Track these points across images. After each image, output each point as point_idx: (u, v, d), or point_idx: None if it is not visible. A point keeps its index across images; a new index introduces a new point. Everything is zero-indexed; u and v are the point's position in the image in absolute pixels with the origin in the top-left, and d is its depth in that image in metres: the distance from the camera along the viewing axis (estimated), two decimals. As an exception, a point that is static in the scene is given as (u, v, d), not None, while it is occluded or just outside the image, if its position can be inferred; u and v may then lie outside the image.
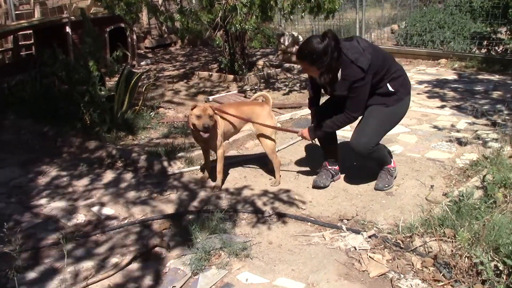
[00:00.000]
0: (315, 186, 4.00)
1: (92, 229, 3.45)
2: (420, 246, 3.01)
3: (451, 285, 2.64)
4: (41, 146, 5.11)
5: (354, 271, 2.88)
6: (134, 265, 2.98)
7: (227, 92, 7.20)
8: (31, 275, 2.90)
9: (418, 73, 8.46)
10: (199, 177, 4.26)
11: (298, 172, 4.36)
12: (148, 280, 2.84)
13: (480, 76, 7.98)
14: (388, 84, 3.63)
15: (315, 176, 4.09)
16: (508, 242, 2.62)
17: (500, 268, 2.58)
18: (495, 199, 3.30)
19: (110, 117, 5.29)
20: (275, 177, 4.13)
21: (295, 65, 8.61)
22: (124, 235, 3.36)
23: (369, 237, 3.19)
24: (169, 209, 3.73)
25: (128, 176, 4.35)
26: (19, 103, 5.95)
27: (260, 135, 4.03)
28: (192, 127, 3.82)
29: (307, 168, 4.40)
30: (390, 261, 2.94)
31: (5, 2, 8.67)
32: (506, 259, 2.51)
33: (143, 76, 6.69)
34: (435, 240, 2.96)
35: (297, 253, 3.08)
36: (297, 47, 8.89)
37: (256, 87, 7.48)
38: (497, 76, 7.92)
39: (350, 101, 3.60)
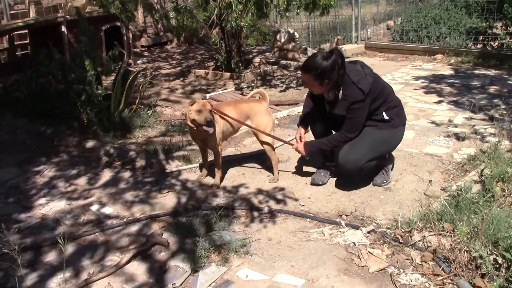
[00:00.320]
0: (313, 183, 4.00)
1: (91, 228, 3.44)
2: (419, 240, 3.01)
3: (451, 279, 2.64)
4: (38, 146, 5.09)
5: (353, 266, 2.88)
6: (134, 264, 2.97)
7: (224, 89, 7.19)
8: (31, 275, 2.89)
9: (414, 68, 8.47)
10: (198, 175, 4.26)
11: (296, 168, 4.35)
12: (147, 278, 2.83)
13: (476, 71, 7.99)
14: (384, 113, 3.67)
15: (313, 174, 4.09)
16: (507, 236, 2.63)
17: (499, 261, 2.59)
18: (493, 193, 3.31)
19: (107, 116, 5.28)
20: (273, 174, 4.13)
21: (292, 62, 8.60)
22: (123, 233, 3.36)
23: (368, 232, 3.19)
24: (168, 207, 3.72)
25: (126, 174, 4.35)
26: (15, 102, 5.94)
27: (258, 133, 4.03)
28: (191, 124, 3.77)
29: (305, 165, 4.40)
30: (390, 256, 2.94)
31: (0, 2, 8.63)
32: (505, 253, 2.52)
33: (139, 75, 6.67)
34: (434, 234, 2.96)
35: (297, 249, 3.08)
36: (293, 44, 8.90)
37: (252, 84, 7.48)
38: (493, 71, 7.93)
39: (347, 122, 3.64)
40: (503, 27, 9.07)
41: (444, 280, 2.65)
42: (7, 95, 6.12)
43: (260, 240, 3.20)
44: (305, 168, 4.33)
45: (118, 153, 4.63)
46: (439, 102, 6.27)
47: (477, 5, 10.39)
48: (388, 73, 8.06)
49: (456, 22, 10.03)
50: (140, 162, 4.46)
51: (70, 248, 3.15)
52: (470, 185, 3.40)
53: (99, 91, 5.23)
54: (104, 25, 8.64)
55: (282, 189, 3.96)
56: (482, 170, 3.72)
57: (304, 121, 4.03)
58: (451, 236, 2.93)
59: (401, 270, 2.80)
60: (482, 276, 2.56)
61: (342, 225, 3.32)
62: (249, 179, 4.19)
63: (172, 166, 4.43)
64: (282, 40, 8.93)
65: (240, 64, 8.01)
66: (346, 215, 3.49)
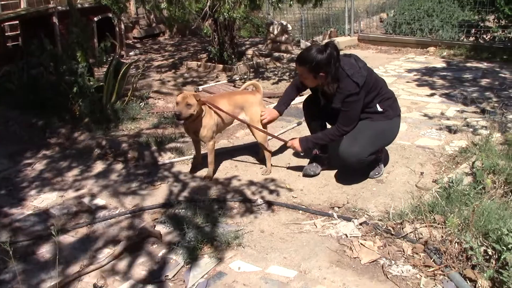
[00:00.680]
0: (306, 175, 4.01)
1: (83, 220, 3.43)
2: (410, 232, 3.03)
3: (442, 271, 2.67)
4: (30, 137, 5.06)
5: (345, 258, 2.90)
6: (126, 256, 2.97)
7: (216, 82, 7.17)
8: (23, 267, 2.88)
9: (407, 61, 8.49)
10: (190, 167, 4.25)
11: (289, 161, 4.36)
12: (140, 270, 2.83)
13: (468, 64, 8.02)
14: (377, 105, 3.68)
15: (305, 165, 4.10)
16: (497, 228, 2.65)
17: (489, 253, 2.61)
18: (484, 185, 3.33)
19: (99, 108, 5.25)
20: (266, 166, 4.14)
21: (285, 54, 8.59)
22: (115, 225, 3.35)
23: (360, 224, 3.21)
24: (160, 199, 3.72)
25: (118, 166, 4.34)
26: (7, 94, 5.88)
27: (251, 125, 4.03)
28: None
29: (298, 157, 4.41)
30: (381, 247, 2.96)
31: (-10, -7, 8.53)
32: (495, 244, 2.54)
33: (131, 67, 6.64)
34: (426, 226, 2.99)
35: (289, 241, 3.09)
36: (286, 36, 8.89)
37: (245, 76, 7.46)
38: (485, 64, 7.97)
39: (342, 116, 3.64)
40: (495, 20, 9.11)
41: (435, 271, 2.68)
42: (-2, 86, 6.07)
43: (252, 232, 3.21)
44: (298, 160, 4.34)
45: (110, 145, 4.61)
46: (432, 94, 6.30)
47: (469, -2, 10.43)
48: (381, 65, 8.07)
49: (449, 15, 10.07)
50: (133, 154, 4.45)
51: (62, 240, 3.14)
52: (462, 177, 3.42)
53: (91, 82, 5.20)
54: (96, 16, 8.58)
55: (274, 180, 3.97)
56: (473, 163, 3.74)
57: (281, 106, 4.03)
58: (442, 227, 2.95)
59: (393, 262, 2.82)
60: (473, 267, 2.59)
61: (334, 217, 3.33)
62: (242, 171, 4.19)
63: (165, 158, 4.42)
64: (275, 32, 8.91)
65: (233, 56, 7.98)
66: (339, 207, 3.50)
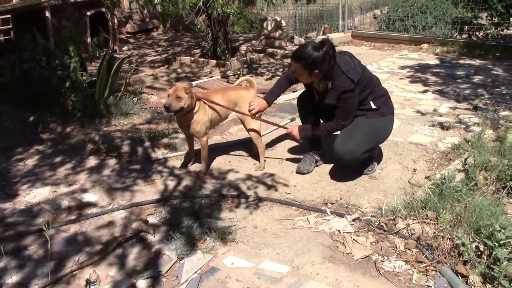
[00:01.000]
0: (299, 172, 4.02)
1: (75, 216, 3.42)
2: (403, 228, 3.05)
3: (434, 266, 2.68)
4: (22, 132, 5.03)
5: (338, 253, 2.91)
6: (119, 251, 2.97)
7: (210, 77, 7.16)
8: (15, 262, 2.87)
9: (400, 58, 8.51)
10: (183, 162, 4.24)
11: (282, 157, 4.36)
12: (133, 266, 2.83)
13: (461, 61, 8.06)
14: (371, 102, 3.70)
15: (299, 162, 4.11)
16: (489, 224, 2.67)
17: (481, 249, 2.63)
18: (476, 181, 3.36)
19: (92, 103, 5.22)
20: (259, 162, 4.14)
21: (278, 50, 8.58)
22: (108, 221, 3.34)
23: (353, 220, 3.22)
24: (154, 194, 3.71)
25: (111, 162, 4.32)
26: (-2, 88, 5.85)
27: (245, 120, 4.02)
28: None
29: (292, 153, 4.41)
30: (374, 243, 2.97)
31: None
32: (486, 240, 2.56)
33: (124, 62, 6.61)
34: (418, 222, 3.00)
35: (282, 237, 3.10)
36: (280, 32, 8.88)
37: (239, 72, 7.44)
38: (478, 61, 8.01)
39: (339, 111, 3.67)
40: (488, 17, 9.14)
41: (427, 267, 2.69)
42: (-10, 81, 6.02)
43: (246, 227, 3.21)
44: (292, 156, 4.35)
45: (103, 140, 4.59)
46: (425, 91, 6.32)
47: (463, -5, 10.46)
48: (374, 62, 8.09)
49: (442, 12, 10.09)
50: (126, 149, 4.44)
51: (55, 236, 3.13)
52: (454, 174, 3.44)
53: (84, 77, 5.18)
54: (89, 10, 8.53)
55: (268, 176, 3.97)
56: (465, 159, 3.76)
57: (270, 97, 4.02)
58: (434, 224, 2.96)
59: (385, 257, 2.84)
60: (465, 263, 2.61)
61: (327, 213, 3.34)
62: (235, 167, 4.18)
63: (158, 153, 4.41)
64: (269, 28, 8.90)
65: (226, 51, 7.97)
66: (332, 203, 3.51)
